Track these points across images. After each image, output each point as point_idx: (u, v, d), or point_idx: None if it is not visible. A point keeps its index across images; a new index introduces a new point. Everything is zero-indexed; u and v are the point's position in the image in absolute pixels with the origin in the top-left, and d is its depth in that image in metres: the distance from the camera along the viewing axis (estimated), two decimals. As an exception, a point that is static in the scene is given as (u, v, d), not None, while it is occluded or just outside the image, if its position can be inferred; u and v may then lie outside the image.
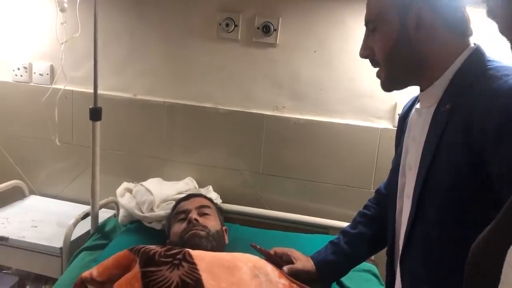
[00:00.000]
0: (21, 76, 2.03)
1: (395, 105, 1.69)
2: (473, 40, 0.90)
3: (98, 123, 1.61)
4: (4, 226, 1.76)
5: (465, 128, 0.80)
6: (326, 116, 1.78)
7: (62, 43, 1.79)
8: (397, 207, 1.05)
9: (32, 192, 2.11)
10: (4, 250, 1.69)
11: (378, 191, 1.31)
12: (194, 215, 1.39)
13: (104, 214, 1.88)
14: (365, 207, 1.32)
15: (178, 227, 1.38)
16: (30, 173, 2.11)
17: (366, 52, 0.99)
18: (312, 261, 1.28)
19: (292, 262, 1.27)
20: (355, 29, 1.66)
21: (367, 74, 1.66)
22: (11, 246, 1.67)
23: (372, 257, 1.69)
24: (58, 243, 1.64)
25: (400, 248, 0.98)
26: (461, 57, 0.88)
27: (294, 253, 1.30)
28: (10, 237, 1.67)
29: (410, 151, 1.00)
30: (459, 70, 0.88)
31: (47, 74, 2.00)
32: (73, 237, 1.64)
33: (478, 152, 0.77)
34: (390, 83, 0.99)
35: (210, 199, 1.56)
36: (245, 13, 1.76)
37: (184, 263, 1.10)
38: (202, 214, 1.42)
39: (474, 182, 0.79)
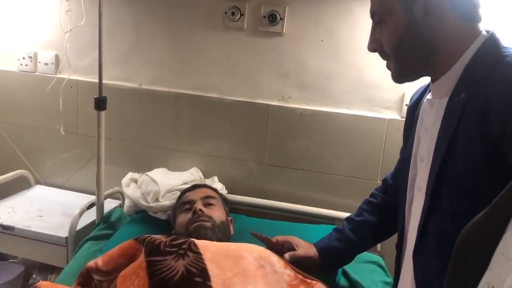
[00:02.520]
0: (26, 65, 2.02)
1: (403, 96, 1.67)
2: (483, 27, 0.88)
3: (103, 113, 1.60)
4: (10, 215, 1.76)
5: (482, 117, 0.78)
6: (332, 106, 1.76)
7: (67, 32, 1.78)
8: (407, 199, 1.04)
9: (38, 182, 2.12)
10: (10, 240, 1.70)
11: (385, 181, 1.30)
12: (199, 205, 1.38)
13: (110, 204, 1.89)
14: (372, 195, 1.31)
15: (183, 218, 1.38)
16: (35, 163, 2.11)
17: (374, 45, 0.97)
18: (314, 248, 1.27)
19: (294, 250, 1.26)
20: (362, 19, 1.63)
21: (374, 64, 1.63)
22: (17, 235, 1.68)
23: (378, 249, 1.69)
24: (64, 232, 1.64)
25: (413, 241, 0.96)
26: (474, 45, 0.86)
27: (296, 240, 1.30)
28: (16, 226, 1.67)
29: (422, 142, 0.99)
30: (473, 59, 0.85)
31: (52, 64, 1.99)
32: (78, 227, 1.64)
33: (496, 141, 0.75)
34: (401, 74, 0.97)
35: (215, 190, 1.55)
36: (251, 2, 1.74)
37: (189, 253, 1.10)
38: (207, 205, 1.41)
39: (491, 173, 0.77)
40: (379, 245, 1.69)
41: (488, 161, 0.78)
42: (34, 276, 1.87)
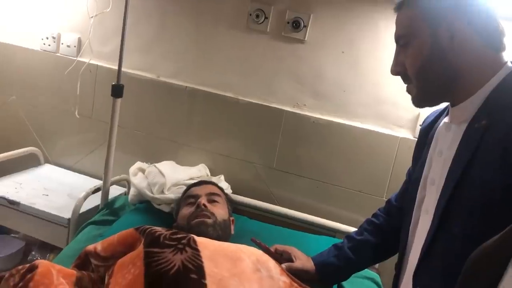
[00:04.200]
0: (49, 45, 2.05)
1: (418, 116, 1.66)
2: (507, 57, 0.88)
3: (118, 100, 1.61)
4: (17, 191, 1.78)
5: (502, 147, 0.78)
6: (346, 118, 1.76)
7: (92, 17, 1.80)
8: (412, 220, 1.04)
9: (47, 161, 2.14)
10: (14, 215, 1.71)
11: (389, 202, 1.29)
12: (203, 200, 1.39)
13: (115, 191, 1.90)
14: (374, 215, 1.30)
15: (186, 211, 1.38)
16: (47, 142, 2.13)
17: (398, 68, 0.97)
18: (312, 262, 1.27)
19: (292, 261, 1.26)
20: (386, 34, 1.63)
21: (392, 81, 1.60)
22: (21, 211, 1.69)
23: (376, 266, 1.68)
24: (67, 214, 1.65)
25: (415, 261, 0.96)
26: (498, 74, 0.86)
27: (295, 251, 1.30)
28: (21, 202, 1.69)
29: (435, 165, 0.98)
30: (497, 88, 0.85)
31: (74, 46, 2.01)
32: (82, 210, 1.66)
33: None
34: (422, 99, 0.97)
35: (221, 188, 1.56)
36: (277, 6, 1.74)
37: (188, 248, 1.10)
38: (212, 201, 1.42)
39: (507, 201, 0.77)
40: (377, 264, 1.68)
41: (505, 191, 0.78)
42: (33, 253, 1.89)
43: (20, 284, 0.99)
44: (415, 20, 0.93)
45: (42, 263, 1.04)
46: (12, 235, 2.01)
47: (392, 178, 1.71)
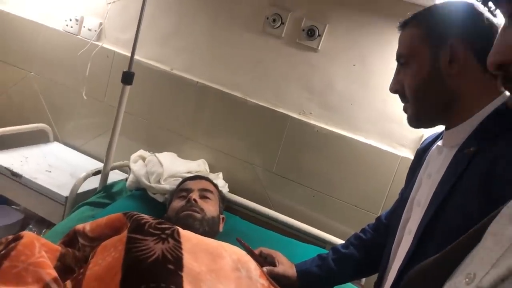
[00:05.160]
0: (71, 27, 2.10)
1: (421, 137, 1.65)
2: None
3: (128, 87, 1.65)
4: (22, 164, 1.83)
5: (486, 175, 0.78)
6: (350, 131, 1.75)
7: (110, 3, 1.84)
8: (395, 239, 1.04)
9: (56, 139, 2.19)
10: (16, 187, 1.76)
11: (378, 219, 1.29)
12: (194, 195, 1.41)
13: (117, 176, 1.94)
14: (362, 230, 1.30)
15: (176, 203, 1.40)
16: (59, 120, 2.19)
17: (396, 86, 0.98)
18: (295, 269, 1.27)
19: (275, 265, 1.27)
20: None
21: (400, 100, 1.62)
22: (23, 184, 1.74)
23: (362, 282, 1.67)
24: (66, 192, 1.68)
25: (391, 281, 0.96)
26: (494, 102, 0.86)
27: (279, 257, 1.30)
28: (24, 175, 1.73)
29: (423, 187, 0.98)
30: (491, 115, 0.85)
31: (95, 31, 2.06)
32: (80, 190, 1.69)
33: (495, 202, 0.75)
34: (416, 119, 0.97)
35: (215, 185, 1.57)
36: (294, 13, 1.76)
37: (170, 239, 1.11)
38: (203, 197, 1.44)
39: None
40: (364, 278, 1.68)
41: (482, 218, 0.77)
42: (30, 226, 1.93)
43: (3, 252, 1.02)
44: (417, 41, 0.94)
45: (27, 235, 1.07)
46: (14, 206, 2.06)
47: (389, 197, 1.70)
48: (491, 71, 0.52)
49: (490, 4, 0.56)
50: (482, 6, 0.89)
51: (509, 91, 0.51)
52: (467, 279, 0.45)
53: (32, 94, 2.19)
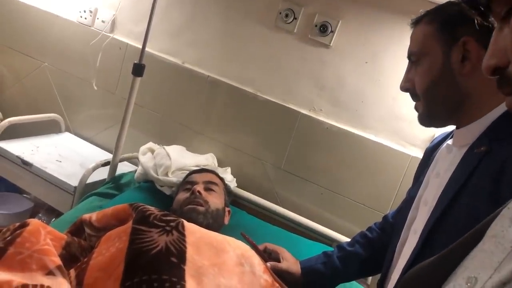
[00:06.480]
0: (85, 18, 2.11)
1: (432, 137, 1.62)
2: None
3: (138, 79, 1.65)
4: (33, 153, 1.85)
5: (495, 175, 0.77)
6: (360, 129, 1.74)
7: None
8: (400, 238, 1.02)
9: (68, 130, 2.21)
10: (27, 176, 1.78)
11: (385, 218, 1.28)
12: (199, 187, 1.40)
13: (126, 167, 1.95)
14: (368, 229, 1.29)
15: (181, 196, 1.41)
16: (71, 111, 2.20)
17: (407, 84, 0.97)
18: (299, 265, 1.26)
19: (279, 261, 1.26)
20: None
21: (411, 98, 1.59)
22: (33, 173, 1.76)
23: (368, 281, 1.66)
24: (75, 182, 1.70)
25: (395, 280, 0.95)
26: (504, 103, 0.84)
27: (284, 253, 1.29)
28: (34, 164, 1.75)
29: (430, 186, 0.97)
30: (503, 115, 0.84)
31: (109, 23, 2.07)
32: (89, 180, 1.70)
33: (503, 203, 0.74)
34: (427, 118, 0.96)
35: (221, 179, 1.57)
36: (307, 8, 1.74)
37: (174, 232, 1.11)
38: (208, 189, 1.43)
39: None
40: (370, 278, 1.66)
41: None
42: (40, 215, 1.96)
43: (9, 238, 1.03)
44: (429, 38, 0.92)
45: (33, 222, 1.08)
46: (24, 195, 2.09)
47: (398, 196, 1.68)
48: (487, 75, 0.50)
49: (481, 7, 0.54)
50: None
51: (505, 94, 0.50)
52: (468, 284, 0.44)
53: (46, 84, 2.21)
